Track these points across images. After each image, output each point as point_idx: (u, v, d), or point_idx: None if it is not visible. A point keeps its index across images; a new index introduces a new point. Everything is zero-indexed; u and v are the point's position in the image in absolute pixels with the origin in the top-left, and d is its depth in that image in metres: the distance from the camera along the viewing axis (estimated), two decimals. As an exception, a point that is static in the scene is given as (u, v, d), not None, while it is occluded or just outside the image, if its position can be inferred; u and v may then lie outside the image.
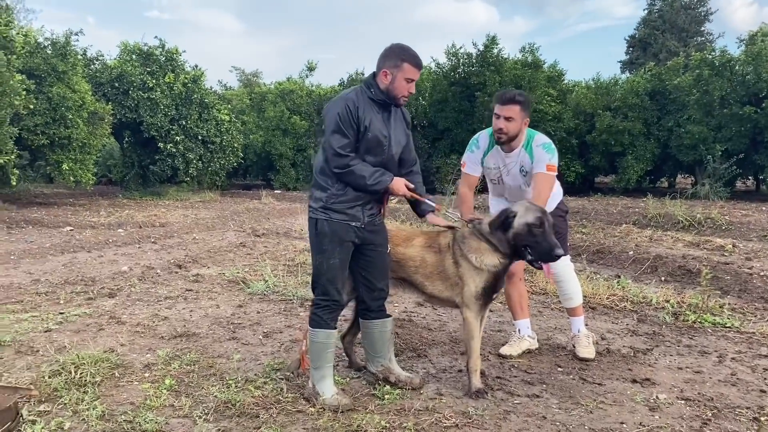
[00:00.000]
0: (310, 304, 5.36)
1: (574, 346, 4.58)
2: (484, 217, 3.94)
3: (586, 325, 4.83)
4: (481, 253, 3.72)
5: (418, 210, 3.89)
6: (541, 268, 3.76)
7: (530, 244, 3.60)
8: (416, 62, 3.55)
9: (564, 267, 4.49)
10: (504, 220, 3.66)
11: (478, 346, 3.79)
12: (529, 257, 3.65)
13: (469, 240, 3.78)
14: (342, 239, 3.56)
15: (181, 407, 3.50)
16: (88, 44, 30.59)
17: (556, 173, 4.24)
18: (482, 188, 5.00)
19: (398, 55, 3.52)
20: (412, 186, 3.69)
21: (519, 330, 4.73)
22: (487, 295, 3.77)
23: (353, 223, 3.58)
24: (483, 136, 4.47)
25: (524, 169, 4.31)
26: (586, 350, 4.49)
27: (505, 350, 4.60)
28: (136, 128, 19.63)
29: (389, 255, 3.85)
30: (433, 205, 3.86)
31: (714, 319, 5.54)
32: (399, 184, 3.61)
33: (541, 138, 4.28)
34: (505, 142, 4.23)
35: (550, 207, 4.35)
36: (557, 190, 4.54)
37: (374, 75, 3.60)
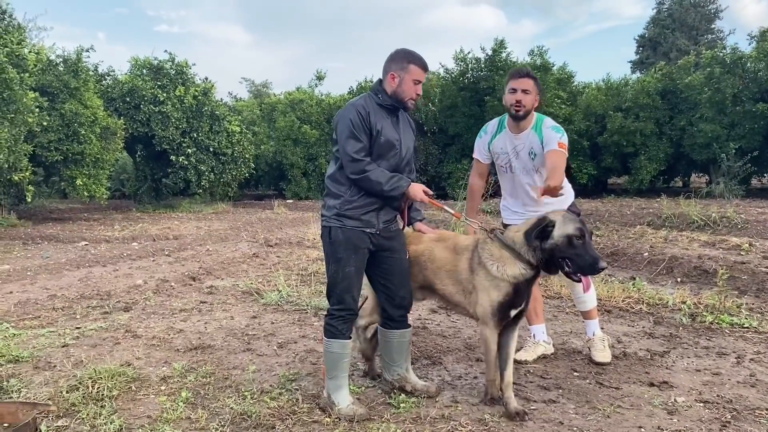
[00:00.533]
0: (324, 313, 5.37)
1: (590, 350, 4.55)
2: (506, 229, 3.79)
3: (602, 328, 4.79)
4: (503, 262, 3.52)
5: (408, 216, 3.86)
6: (579, 281, 3.50)
7: (570, 257, 3.39)
8: (422, 64, 3.58)
9: None
10: (543, 229, 3.44)
11: (494, 360, 3.67)
12: (567, 269, 3.44)
13: (489, 247, 3.60)
14: (357, 246, 3.53)
15: (198, 420, 3.51)
16: (99, 60, 31.10)
17: (566, 152, 4.22)
18: (493, 192, 4.98)
19: (404, 57, 3.56)
20: (431, 192, 3.64)
21: (534, 335, 4.71)
22: (504, 310, 3.55)
23: (368, 230, 3.55)
24: (492, 123, 4.58)
25: (533, 151, 4.29)
26: (602, 354, 4.46)
27: (520, 356, 4.57)
28: (148, 142, 19.81)
29: (408, 261, 3.81)
30: (451, 211, 3.87)
31: (731, 320, 5.48)
32: (417, 189, 3.55)
33: (549, 121, 4.33)
34: (522, 116, 4.26)
35: (563, 206, 4.36)
36: (569, 192, 4.52)
37: (380, 81, 3.63)
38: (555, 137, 4.18)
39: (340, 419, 3.47)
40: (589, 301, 4.54)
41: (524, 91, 4.21)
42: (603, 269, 3.42)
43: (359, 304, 3.73)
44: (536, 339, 4.68)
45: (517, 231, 3.60)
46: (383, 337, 3.89)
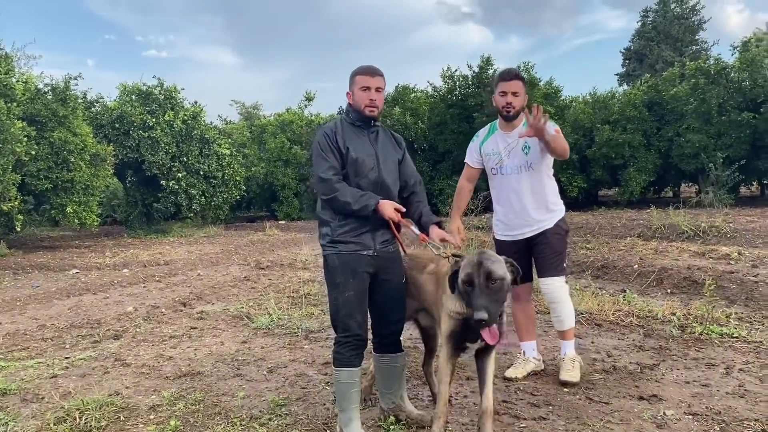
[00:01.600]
0: (315, 336, 5.35)
1: (559, 370, 4.49)
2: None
3: (592, 342, 4.80)
4: (451, 297, 3.36)
5: (420, 225, 3.75)
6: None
7: (468, 304, 3.14)
8: (366, 71, 3.55)
9: (558, 288, 4.44)
10: (451, 278, 3.29)
11: (446, 391, 3.40)
12: None
13: (445, 279, 3.44)
14: (354, 270, 3.47)
15: (186, 448, 3.49)
16: (89, 87, 31.22)
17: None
18: (484, 207, 5.00)
19: (352, 73, 3.59)
20: (403, 210, 3.54)
21: (524, 352, 4.70)
22: (456, 341, 3.35)
23: (365, 252, 3.49)
24: (483, 128, 4.74)
25: (527, 143, 4.37)
26: (568, 374, 4.38)
27: (510, 373, 4.57)
28: (138, 167, 19.82)
29: (405, 285, 3.73)
30: (418, 233, 3.68)
31: (721, 330, 5.49)
32: (386, 206, 3.42)
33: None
34: (513, 116, 4.40)
35: (552, 221, 4.44)
36: (560, 205, 4.56)
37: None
38: (550, 126, 4.25)
39: (329, 444, 3.44)
40: (565, 321, 4.48)
41: (514, 93, 4.36)
42: (478, 321, 2.98)
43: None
44: (526, 356, 4.68)
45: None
46: (376, 362, 3.81)
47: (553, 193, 4.56)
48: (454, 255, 3.48)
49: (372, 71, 3.55)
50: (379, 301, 3.62)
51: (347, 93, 3.62)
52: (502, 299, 3.13)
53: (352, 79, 3.58)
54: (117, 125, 18.91)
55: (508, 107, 4.37)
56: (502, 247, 4.66)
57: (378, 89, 3.53)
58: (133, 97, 19.81)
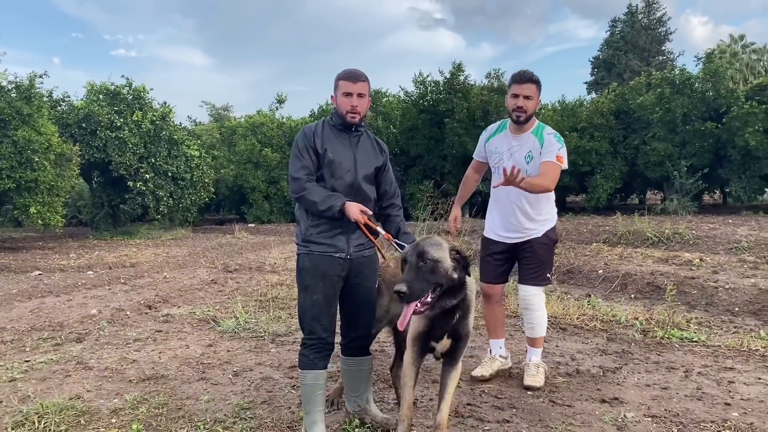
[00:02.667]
0: (281, 340, 5.33)
1: (523, 375, 4.52)
2: None
3: (557, 346, 4.88)
4: None
5: (398, 243, 3.72)
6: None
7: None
8: (348, 76, 3.53)
9: (534, 297, 4.49)
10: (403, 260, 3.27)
11: (409, 395, 3.38)
12: None
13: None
14: (324, 273, 3.45)
15: (148, 453, 3.45)
16: (55, 86, 30.55)
17: (563, 166, 4.31)
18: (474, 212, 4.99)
19: (336, 77, 3.58)
20: (370, 212, 3.51)
21: (491, 350, 4.74)
22: (422, 340, 3.35)
23: (337, 255, 3.47)
24: (494, 124, 4.71)
25: (531, 154, 4.35)
26: (533, 379, 4.42)
27: (476, 372, 4.62)
28: (105, 168, 19.48)
29: (377, 290, 3.73)
30: (382, 232, 3.64)
31: (681, 334, 5.62)
32: (352, 208, 3.39)
33: (551, 129, 4.44)
34: (524, 120, 4.37)
35: (540, 231, 4.45)
36: (552, 215, 4.57)
37: None
38: (555, 148, 4.28)
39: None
40: (536, 328, 4.53)
41: (526, 97, 4.30)
42: (395, 292, 2.98)
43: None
44: (492, 354, 4.71)
45: None
46: (343, 364, 3.81)
47: (548, 203, 4.54)
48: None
49: (354, 77, 3.52)
50: (349, 305, 3.63)
51: (331, 96, 3.62)
52: (433, 281, 3.07)
53: (336, 83, 3.57)
54: (83, 125, 18.55)
55: (519, 111, 4.34)
56: (488, 246, 4.68)
57: (360, 95, 3.50)
58: (101, 96, 19.47)
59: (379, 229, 3.62)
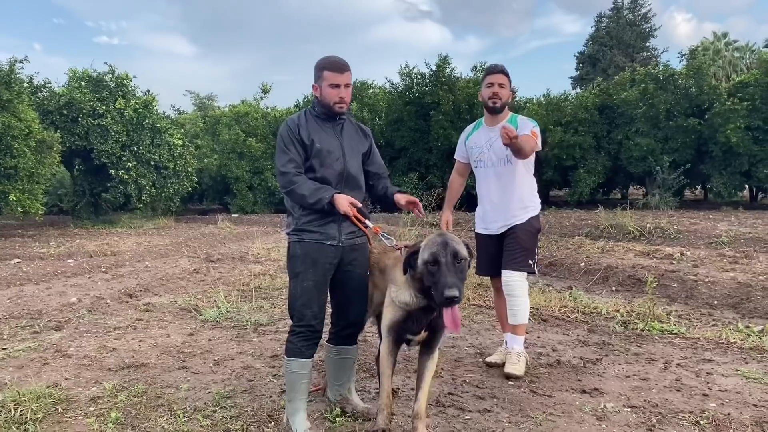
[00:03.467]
0: (264, 329, 5.31)
1: (504, 364, 4.55)
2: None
3: (538, 337, 4.90)
4: (398, 286, 3.34)
5: (384, 197, 3.75)
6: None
7: (431, 285, 3.07)
8: (335, 67, 3.46)
9: (516, 282, 4.51)
10: (411, 257, 3.23)
11: (388, 384, 3.40)
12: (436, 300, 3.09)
13: (394, 270, 3.44)
14: (315, 260, 3.44)
15: (127, 441, 3.41)
16: (35, 71, 30.11)
17: (538, 140, 4.51)
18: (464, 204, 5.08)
19: (319, 66, 3.50)
20: (359, 205, 3.49)
21: (506, 341, 4.77)
22: (398, 332, 3.33)
23: (329, 242, 3.45)
24: (470, 125, 4.94)
25: None
26: (513, 367, 4.44)
27: (491, 359, 4.73)
28: (86, 156, 19.26)
29: (368, 279, 3.70)
30: (371, 225, 3.64)
31: (661, 327, 5.67)
32: (341, 200, 3.36)
33: (524, 116, 4.73)
34: (500, 107, 4.60)
35: (524, 218, 4.53)
36: (536, 204, 4.66)
37: None
38: (529, 125, 4.51)
39: (274, 435, 3.41)
40: (518, 315, 4.54)
41: (500, 85, 4.58)
42: (450, 298, 2.93)
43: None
44: (507, 346, 4.73)
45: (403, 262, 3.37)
46: (327, 352, 3.80)
47: (530, 190, 4.67)
48: (406, 247, 3.45)
49: (341, 67, 3.47)
50: (341, 293, 3.61)
51: (313, 86, 3.54)
52: (464, 279, 3.13)
53: (320, 73, 3.48)
54: (65, 112, 18.31)
55: (494, 98, 4.57)
56: (480, 241, 4.81)
57: (346, 85, 3.47)
58: (83, 83, 19.23)
59: (368, 222, 3.60)
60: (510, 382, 4.33)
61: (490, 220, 4.67)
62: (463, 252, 3.11)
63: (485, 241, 4.75)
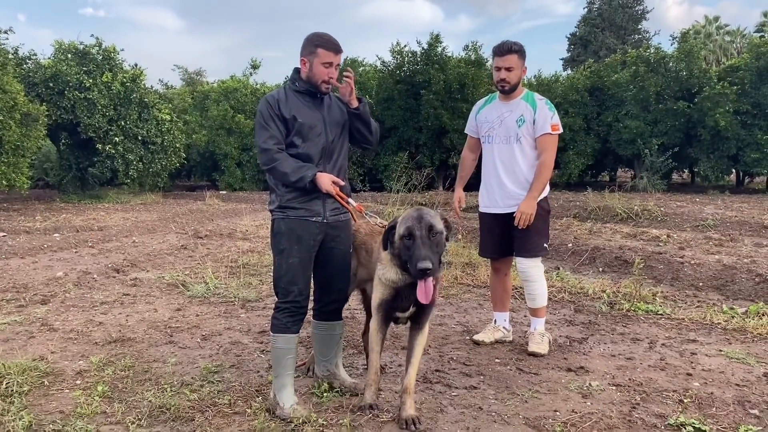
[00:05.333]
0: (252, 305, 5.31)
1: (527, 343, 4.59)
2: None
3: (525, 316, 4.94)
4: (384, 264, 3.35)
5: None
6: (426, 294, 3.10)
7: (407, 259, 3.11)
8: (330, 46, 3.44)
9: (532, 268, 4.51)
10: (388, 233, 3.27)
11: (376, 360, 3.45)
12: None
13: (381, 249, 3.44)
14: (300, 237, 3.44)
15: (114, 414, 3.41)
16: (20, 43, 29.53)
17: (559, 131, 4.45)
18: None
19: (312, 42, 3.46)
20: (342, 183, 3.50)
21: (495, 320, 4.82)
22: (387, 309, 3.37)
23: (313, 219, 3.45)
24: (483, 99, 4.81)
25: (523, 117, 4.41)
26: (537, 346, 4.47)
27: (478, 337, 4.74)
28: (73, 129, 19.04)
29: (352, 255, 3.72)
30: (354, 204, 3.61)
31: (647, 307, 5.72)
32: (324, 180, 3.39)
33: (540, 95, 4.56)
34: (508, 91, 4.45)
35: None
36: (546, 186, 4.55)
37: (297, 69, 3.54)
38: (548, 117, 4.39)
39: (261, 410, 3.42)
40: (537, 299, 4.56)
41: (508, 69, 4.37)
42: (423, 270, 2.98)
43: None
44: (497, 324, 4.79)
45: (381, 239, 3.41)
46: (314, 329, 3.81)
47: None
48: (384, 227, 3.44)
49: (336, 47, 3.45)
50: (324, 269, 3.62)
51: (302, 60, 3.48)
52: (441, 252, 3.17)
53: (313, 48, 3.43)
54: (51, 84, 18.04)
55: (503, 83, 4.42)
56: (484, 221, 4.72)
57: (337, 66, 3.47)
58: (69, 55, 18.92)
59: (351, 200, 3.58)
60: (497, 360, 4.37)
61: (495, 199, 4.55)
62: (439, 225, 3.13)
63: (490, 221, 4.64)
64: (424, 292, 3.07)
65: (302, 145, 3.44)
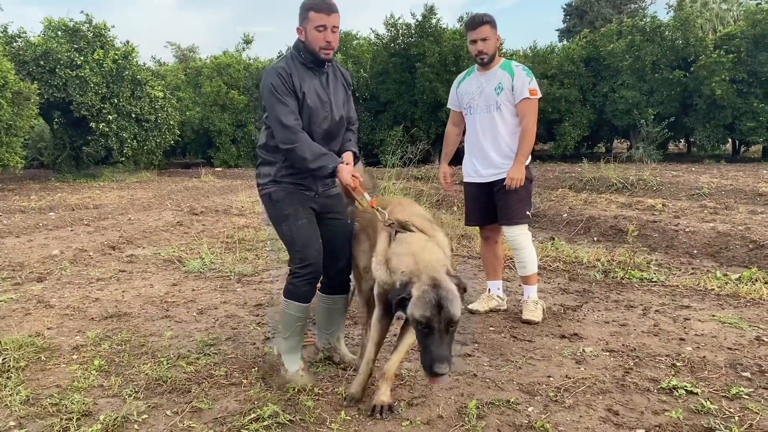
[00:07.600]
0: (245, 278, 5.31)
1: (522, 311, 4.63)
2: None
3: (519, 285, 4.96)
4: (378, 259, 3.13)
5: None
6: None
7: (419, 343, 2.78)
8: (321, 7, 3.22)
9: (520, 235, 4.55)
10: (401, 299, 2.81)
11: (371, 351, 3.21)
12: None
13: (380, 239, 3.19)
14: (301, 200, 3.37)
15: (110, 387, 3.43)
16: (9, 20, 29.16)
17: (538, 96, 4.49)
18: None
19: (304, 6, 3.29)
20: (360, 179, 3.36)
21: (489, 289, 4.86)
22: (388, 302, 2.97)
23: (307, 192, 3.40)
24: (462, 72, 4.86)
25: (501, 84, 4.46)
26: (531, 314, 4.51)
27: (473, 306, 4.77)
28: (65, 108, 18.91)
29: (356, 237, 3.61)
30: (368, 198, 3.35)
31: (641, 275, 5.75)
32: (345, 172, 3.25)
33: (517, 62, 4.64)
34: (487, 62, 4.51)
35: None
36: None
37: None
38: (526, 82, 4.42)
39: (256, 380, 3.44)
40: (527, 266, 4.60)
41: (483, 40, 4.44)
42: (437, 375, 2.65)
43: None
44: (491, 293, 4.83)
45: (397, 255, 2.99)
46: (319, 301, 3.72)
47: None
48: (399, 223, 3.13)
49: (328, 7, 3.23)
50: (327, 240, 3.48)
51: (298, 28, 3.33)
52: (453, 340, 2.85)
53: (305, 14, 3.27)
54: (42, 62, 17.87)
55: (481, 55, 4.49)
56: (469, 191, 4.78)
57: (334, 28, 3.25)
58: (59, 33, 18.72)
59: (366, 195, 3.38)
60: (491, 328, 4.39)
61: (478, 168, 4.62)
62: (458, 315, 2.75)
63: (475, 191, 4.69)
64: (432, 381, 2.78)
65: (306, 128, 3.30)
